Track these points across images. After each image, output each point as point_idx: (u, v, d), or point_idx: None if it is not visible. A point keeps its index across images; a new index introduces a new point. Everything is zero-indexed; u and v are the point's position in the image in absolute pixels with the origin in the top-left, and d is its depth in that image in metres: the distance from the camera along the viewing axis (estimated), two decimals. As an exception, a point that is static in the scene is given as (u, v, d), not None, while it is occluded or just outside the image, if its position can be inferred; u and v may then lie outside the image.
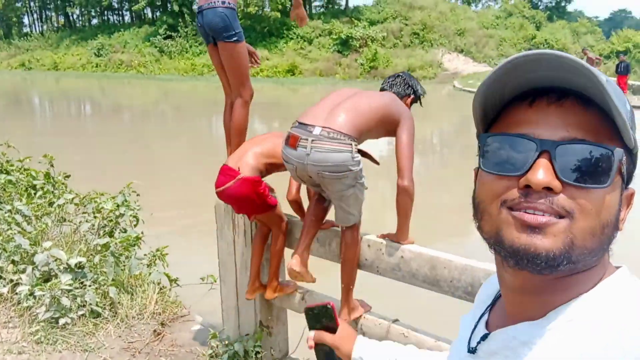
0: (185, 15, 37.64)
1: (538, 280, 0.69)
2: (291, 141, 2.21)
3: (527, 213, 0.65)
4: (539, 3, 42.33)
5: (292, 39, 33.46)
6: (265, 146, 2.62)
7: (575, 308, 0.68)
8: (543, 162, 0.65)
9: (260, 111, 15.23)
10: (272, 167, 2.61)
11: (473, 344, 0.81)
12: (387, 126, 2.32)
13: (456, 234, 6.16)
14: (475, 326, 0.84)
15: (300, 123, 2.25)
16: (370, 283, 2.49)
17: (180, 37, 36.30)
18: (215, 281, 3.87)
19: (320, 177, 2.20)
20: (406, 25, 33.09)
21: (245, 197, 2.55)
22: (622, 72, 19.06)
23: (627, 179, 0.70)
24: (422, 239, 2.42)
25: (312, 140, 2.15)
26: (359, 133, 2.21)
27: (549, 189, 0.64)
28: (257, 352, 2.89)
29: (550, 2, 43.44)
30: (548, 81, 0.68)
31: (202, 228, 6.34)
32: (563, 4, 44.41)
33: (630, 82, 20.49)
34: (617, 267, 0.74)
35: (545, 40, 32.40)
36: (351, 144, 2.16)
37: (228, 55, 2.76)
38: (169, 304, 3.90)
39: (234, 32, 2.70)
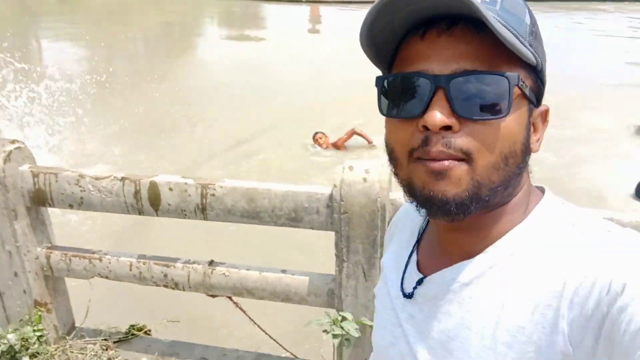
0: None
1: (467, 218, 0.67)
2: None
3: (433, 160, 0.63)
4: None
5: None
6: None
7: (514, 241, 0.68)
8: (439, 100, 0.62)
9: None
10: None
11: (408, 289, 0.77)
12: None
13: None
14: (406, 268, 0.81)
15: None
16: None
17: None
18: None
19: None
20: None
21: None
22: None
23: (536, 98, 0.68)
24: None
25: None
26: None
27: (448, 128, 0.62)
28: (40, 336, 2.38)
29: None
30: (432, 10, 0.62)
31: None
32: None
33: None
34: (538, 187, 0.74)
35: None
36: None
37: None
38: None
39: None
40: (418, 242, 0.83)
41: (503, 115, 0.62)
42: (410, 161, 0.66)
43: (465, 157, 0.62)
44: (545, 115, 0.71)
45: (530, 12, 0.66)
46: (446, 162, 0.62)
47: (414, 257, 0.81)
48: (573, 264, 0.60)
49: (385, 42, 0.68)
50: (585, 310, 0.57)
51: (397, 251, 0.86)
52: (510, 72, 0.62)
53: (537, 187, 0.74)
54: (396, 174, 0.71)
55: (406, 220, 0.90)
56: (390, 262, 0.87)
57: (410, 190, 0.68)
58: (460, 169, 0.62)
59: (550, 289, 0.61)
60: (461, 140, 0.62)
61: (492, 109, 0.62)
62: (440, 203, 0.64)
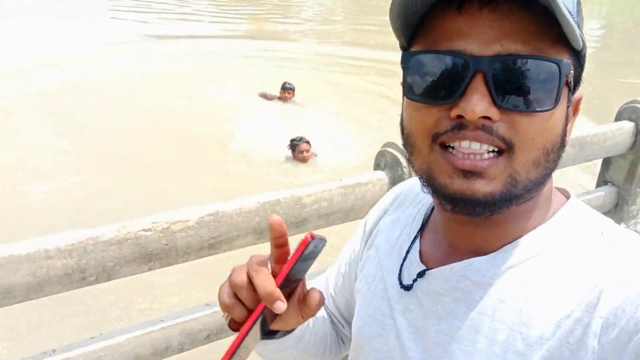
0: None
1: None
2: None
3: (461, 156, 0.56)
4: None
5: None
6: None
7: (538, 242, 0.62)
8: (477, 85, 0.54)
9: None
10: None
11: (407, 280, 0.71)
12: None
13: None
14: (406, 256, 0.73)
15: None
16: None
17: None
18: None
19: None
20: None
21: None
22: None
23: (574, 86, 0.61)
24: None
25: None
26: None
27: (485, 117, 0.55)
28: None
29: None
30: None
31: None
32: None
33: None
34: (558, 188, 0.68)
35: None
36: None
37: None
38: None
39: None
40: (422, 229, 0.75)
41: (551, 108, 0.55)
42: (432, 148, 0.58)
43: (505, 148, 0.55)
44: (577, 103, 0.63)
45: None
46: (480, 163, 0.55)
47: (417, 245, 0.73)
48: (610, 278, 0.55)
49: (415, 11, 0.58)
50: (623, 333, 0.52)
51: (397, 235, 0.78)
52: (560, 57, 0.55)
53: (557, 188, 0.68)
54: (411, 162, 0.63)
55: (408, 200, 0.81)
56: (385, 244, 0.79)
57: (430, 183, 0.60)
58: (497, 167, 0.56)
59: (581, 301, 0.56)
60: (504, 130, 0.55)
61: (539, 101, 0.55)
62: (468, 202, 0.57)
